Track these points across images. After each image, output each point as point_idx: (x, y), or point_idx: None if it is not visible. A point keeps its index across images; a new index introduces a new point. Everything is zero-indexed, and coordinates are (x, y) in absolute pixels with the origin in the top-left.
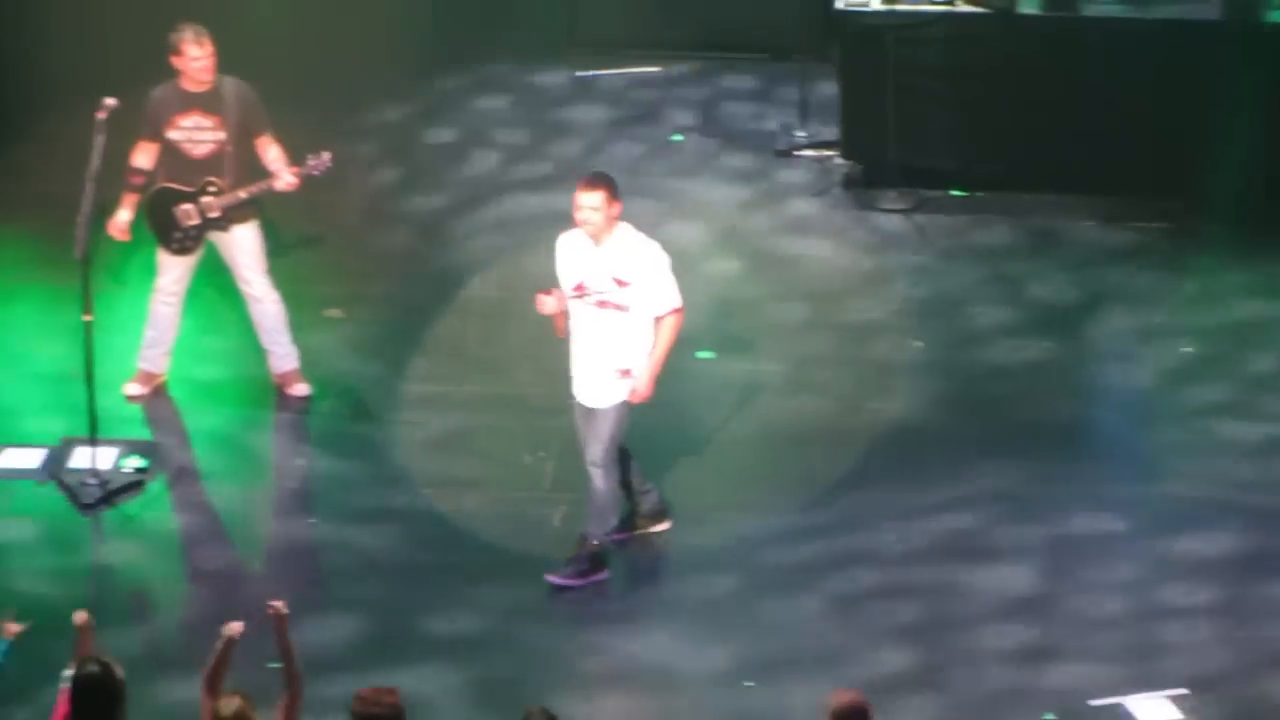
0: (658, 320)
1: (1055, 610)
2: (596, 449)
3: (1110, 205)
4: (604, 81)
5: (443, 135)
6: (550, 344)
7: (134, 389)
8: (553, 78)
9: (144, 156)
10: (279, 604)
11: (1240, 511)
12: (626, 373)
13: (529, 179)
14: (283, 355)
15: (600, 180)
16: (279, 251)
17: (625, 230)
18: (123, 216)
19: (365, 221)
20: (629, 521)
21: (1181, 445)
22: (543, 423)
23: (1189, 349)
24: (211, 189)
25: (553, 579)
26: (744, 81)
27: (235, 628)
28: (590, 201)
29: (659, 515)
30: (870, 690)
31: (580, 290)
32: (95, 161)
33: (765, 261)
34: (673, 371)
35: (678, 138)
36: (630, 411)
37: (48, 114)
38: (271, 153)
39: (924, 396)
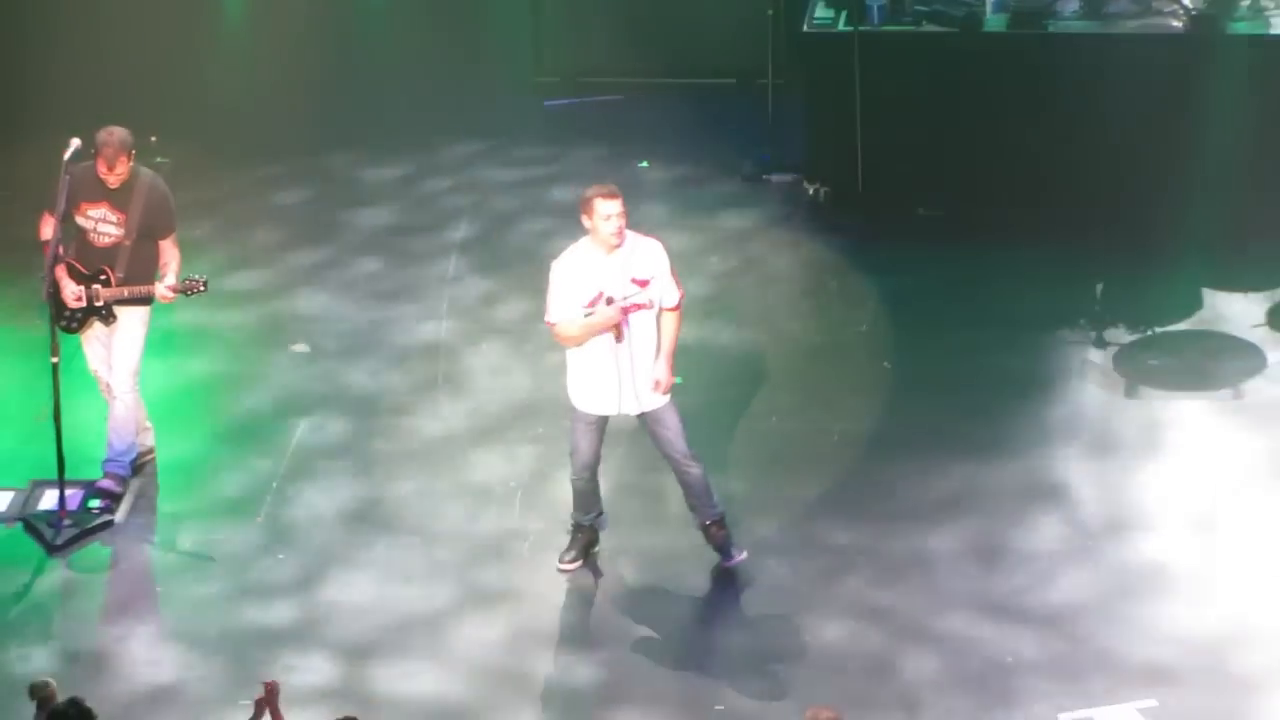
0: (666, 312)
1: None
2: (681, 443)
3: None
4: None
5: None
6: None
7: None
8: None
9: (49, 228)
10: (272, 681)
11: None
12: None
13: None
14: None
15: (615, 187)
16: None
17: (628, 233)
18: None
19: None
20: (578, 549)
21: None
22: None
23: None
24: (103, 278)
25: (733, 561)
26: (710, 107)
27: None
28: (619, 208)
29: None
30: None
31: (601, 302)
32: (61, 202)
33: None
34: None
35: (644, 164)
36: None
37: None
38: (167, 257)
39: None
